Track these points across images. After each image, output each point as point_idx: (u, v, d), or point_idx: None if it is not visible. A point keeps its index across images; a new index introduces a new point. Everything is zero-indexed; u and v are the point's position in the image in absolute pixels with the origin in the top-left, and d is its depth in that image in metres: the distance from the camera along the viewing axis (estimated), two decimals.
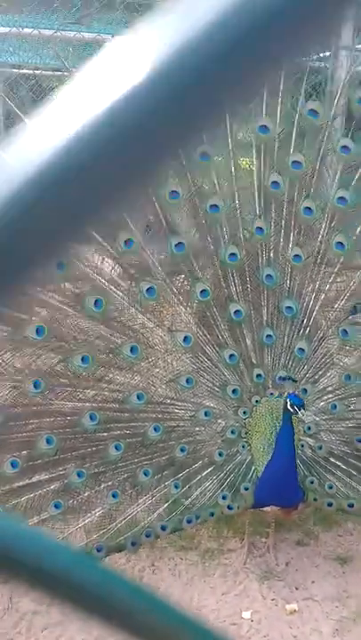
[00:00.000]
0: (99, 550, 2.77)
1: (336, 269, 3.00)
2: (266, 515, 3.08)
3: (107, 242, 2.80)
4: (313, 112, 2.95)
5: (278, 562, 3.11)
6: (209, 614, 2.77)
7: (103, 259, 2.90)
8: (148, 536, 2.84)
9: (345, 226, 2.97)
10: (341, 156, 2.97)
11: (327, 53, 4.37)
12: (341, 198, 2.94)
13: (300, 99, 2.97)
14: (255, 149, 2.95)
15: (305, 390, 3.03)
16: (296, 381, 2.90)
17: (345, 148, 2.95)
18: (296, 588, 2.95)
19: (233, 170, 2.93)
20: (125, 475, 2.86)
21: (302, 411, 2.67)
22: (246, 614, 2.78)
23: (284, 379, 2.91)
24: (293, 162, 2.93)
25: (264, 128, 2.92)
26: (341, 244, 2.94)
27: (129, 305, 2.87)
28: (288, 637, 2.68)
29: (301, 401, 2.70)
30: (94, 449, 2.83)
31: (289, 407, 2.69)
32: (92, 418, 2.78)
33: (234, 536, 3.28)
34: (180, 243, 2.85)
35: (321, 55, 4.58)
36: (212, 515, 2.95)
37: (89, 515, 2.81)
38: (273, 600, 2.88)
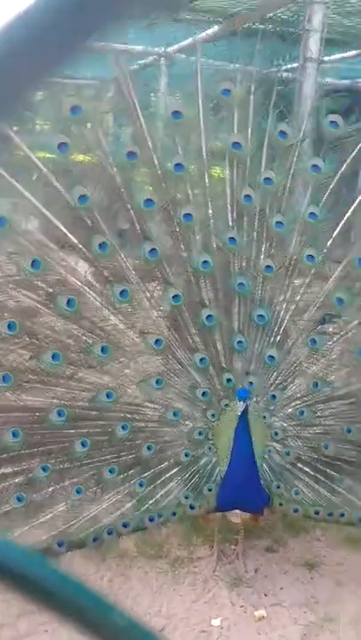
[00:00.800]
0: (60, 545, 2.78)
1: (307, 280, 3.06)
2: (234, 521, 3.10)
3: (82, 244, 2.84)
4: (283, 133, 3.05)
5: (247, 568, 3.13)
6: (178, 622, 2.77)
7: (77, 261, 2.93)
8: (110, 533, 2.86)
9: (315, 239, 3.05)
10: (312, 175, 3.04)
11: (295, 64, 4.44)
12: (312, 214, 3.02)
13: (270, 116, 3.05)
14: (228, 164, 3.02)
15: (274, 396, 3.07)
16: (248, 374, 2.97)
17: (315, 167, 3.04)
18: (265, 595, 2.98)
19: (207, 180, 2.99)
20: (91, 472, 2.89)
21: (240, 403, 2.73)
22: (216, 621, 2.79)
23: (245, 374, 2.98)
24: (265, 178, 3.01)
25: (237, 145, 3.00)
26: (312, 256, 3.02)
27: (102, 306, 2.90)
28: None
29: (246, 394, 2.76)
30: (61, 445, 2.85)
31: (237, 401, 2.76)
32: (59, 414, 2.81)
33: (203, 544, 3.29)
34: (153, 249, 2.90)
35: (289, 66, 4.66)
36: (175, 514, 2.97)
37: (52, 509, 2.81)
38: (242, 607, 2.89)
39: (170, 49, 6.59)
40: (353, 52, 5.80)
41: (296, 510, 3.04)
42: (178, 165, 2.93)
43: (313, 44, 3.91)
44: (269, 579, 3.09)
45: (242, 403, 2.74)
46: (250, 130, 3.02)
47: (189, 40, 5.85)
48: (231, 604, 2.90)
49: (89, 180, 2.84)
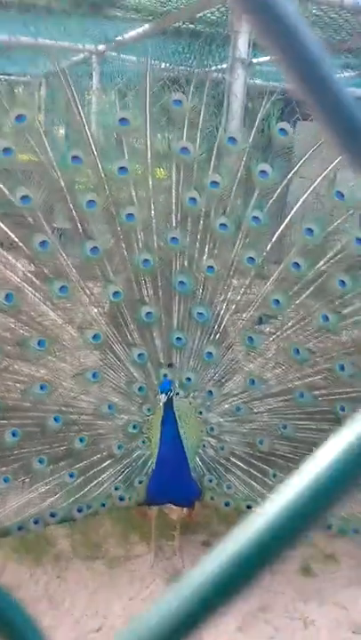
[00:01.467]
0: None
1: (247, 282, 3.12)
2: (171, 516, 3.12)
3: (22, 242, 2.87)
4: (232, 139, 3.11)
5: (185, 563, 3.15)
6: (115, 620, 2.76)
7: (17, 258, 2.93)
8: (36, 522, 2.85)
9: (257, 242, 3.11)
10: (259, 181, 3.09)
11: (225, 65, 4.50)
12: (256, 218, 3.08)
13: (220, 125, 3.17)
14: (175, 167, 3.07)
15: (210, 392, 3.11)
16: (171, 366, 3.03)
17: (263, 172, 3.09)
18: None
19: (150, 182, 3.03)
20: (20, 461, 2.87)
21: (161, 395, 2.73)
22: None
23: (168, 365, 3.03)
24: (212, 182, 3.07)
25: (185, 150, 3.05)
26: (252, 258, 3.08)
27: (40, 302, 2.92)
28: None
29: (168, 386, 2.76)
30: None
31: (160, 392, 2.78)
32: None
33: (140, 541, 3.29)
34: (94, 247, 2.94)
35: (219, 67, 4.72)
36: (104, 505, 2.99)
37: None
38: None
39: (100, 46, 6.54)
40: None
41: (227, 504, 3.08)
42: (122, 169, 2.98)
43: (242, 45, 3.97)
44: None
45: (163, 395, 2.74)
46: (198, 136, 3.08)
47: (119, 38, 5.82)
48: None
49: (32, 181, 2.87)
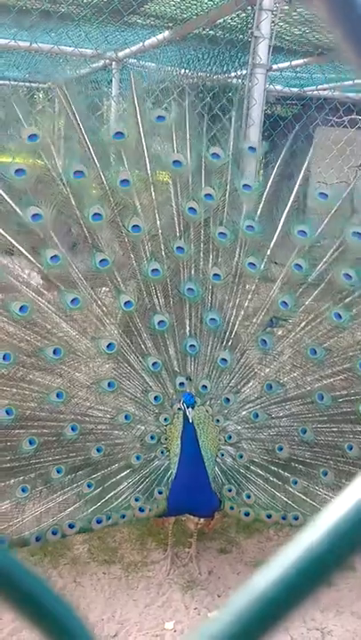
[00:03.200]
0: (1, 542, 2.73)
1: (253, 287, 3.15)
2: (188, 525, 3.11)
3: (33, 257, 2.93)
4: (215, 155, 3.21)
5: (201, 571, 3.14)
6: (132, 627, 2.75)
7: (30, 272, 2.99)
8: (54, 533, 2.82)
9: (256, 248, 3.18)
10: (244, 193, 3.20)
11: (244, 71, 4.50)
12: (250, 227, 3.15)
13: (203, 141, 3.22)
14: (171, 180, 3.15)
15: (227, 400, 3.10)
16: (191, 379, 3.01)
17: (246, 186, 3.21)
18: (218, 596, 2.99)
19: (153, 193, 3.10)
20: (38, 471, 2.86)
21: (190, 410, 2.72)
22: (169, 625, 2.79)
23: (187, 379, 3.02)
24: (206, 194, 3.14)
25: (177, 163, 3.13)
26: (253, 264, 3.13)
27: (53, 314, 2.94)
28: None
29: (192, 400, 2.76)
30: (7, 443, 2.83)
31: (182, 405, 2.77)
32: (8, 412, 2.79)
33: (157, 548, 3.29)
34: (103, 259, 2.98)
35: (238, 73, 4.72)
36: (124, 517, 2.94)
37: None
38: (196, 609, 2.90)
39: (120, 53, 6.57)
40: (300, 61, 5.91)
41: (247, 514, 3.04)
42: (124, 181, 3.04)
43: (262, 51, 3.96)
44: (223, 580, 3.11)
45: (190, 409, 2.73)
46: (188, 148, 3.16)
47: (139, 45, 5.84)
48: (185, 607, 2.91)
49: (42, 198, 2.93)
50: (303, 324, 3.12)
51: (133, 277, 3.07)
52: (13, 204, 2.90)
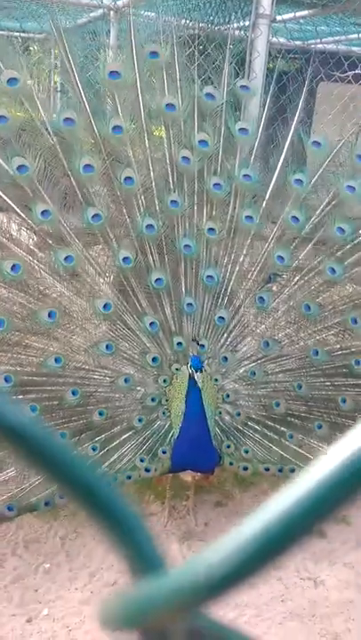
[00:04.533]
0: (10, 509, 2.77)
1: (248, 241, 3.12)
2: (186, 479, 3.17)
3: (23, 212, 2.81)
4: (210, 95, 3.09)
5: (198, 522, 3.22)
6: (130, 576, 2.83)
7: (20, 228, 2.88)
8: (62, 497, 2.85)
9: (252, 200, 3.13)
10: (240, 138, 3.12)
11: (247, 22, 4.37)
12: (246, 175, 3.08)
13: (196, 82, 3.11)
14: (163, 125, 3.04)
15: (225, 358, 3.11)
16: (199, 343, 2.98)
17: (243, 130, 3.12)
18: None
19: (147, 142, 2.99)
20: None
21: (198, 373, 2.75)
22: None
23: (192, 340, 2.99)
24: (200, 141, 3.04)
25: (170, 106, 3.01)
26: (250, 217, 3.08)
27: (47, 273, 2.86)
28: None
29: (199, 364, 2.78)
30: None
31: (189, 369, 2.79)
32: (6, 380, 2.77)
33: (155, 500, 3.36)
34: (96, 214, 2.89)
35: (241, 24, 4.58)
36: (130, 478, 3.00)
37: (1, 474, 2.79)
38: None
39: (119, 2, 6.37)
40: (305, 12, 5.73)
41: (246, 468, 3.13)
42: (116, 128, 2.91)
43: (266, 0, 3.84)
44: (219, 532, 3.18)
45: (199, 374, 2.75)
46: (179, 91, 3.04)
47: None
48: (183, 558, 2.99)
49: (27, 149, 2.79)
50: (297, 278, 3.13)
51: (127, 235, 2.99)
52: None
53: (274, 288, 3.18)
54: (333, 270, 3.07)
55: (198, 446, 2.90)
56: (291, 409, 3.14)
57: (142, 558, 0.36)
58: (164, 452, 2.99)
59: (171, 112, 3.01)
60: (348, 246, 3.08)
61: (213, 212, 3.09)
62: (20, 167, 2.76)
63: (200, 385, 2.79)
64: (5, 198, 2.80)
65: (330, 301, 3.15)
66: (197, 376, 2.76)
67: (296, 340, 3.14)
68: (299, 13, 5.71)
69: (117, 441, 2.98)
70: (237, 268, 3.12)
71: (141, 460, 2.98)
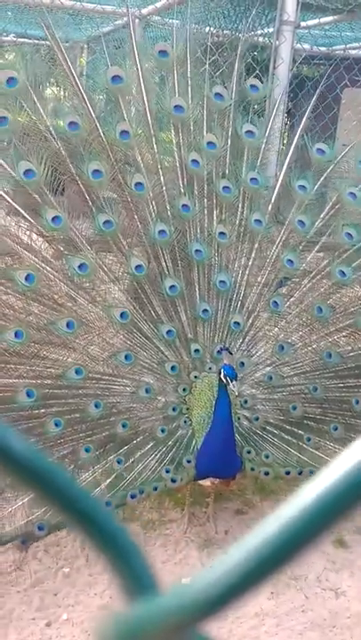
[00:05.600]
0: (40, 529, 2.73)
1: (256, 245, 3.13)
2: (206, 485, 3.16)
3: (34, 219, 2.77)
4: (219, 96, 3.08)
5: (218, 530, 3.20)
6: None
7: (30, 235, 2.83)
8: None
9: (260, 204, 3.15)
10: (246, 141, 3.12)
11: (271, 29, 4.37)
12: (253, 179, 3.10)
13: (205, 82, 3.09)
14: (173, 128, 3.03)
15: (242, 363, 3.11)
16: (232, 353, 2.94)
17: (249, 132, 3.12)
18: None
19: (155, 146, 2.97)
20: (65, 451, 2.84)
21: (234, 382, 2.70)
22: (186, 581, 2.85)
23: (220, 350, 2.97)
24: (208, 142, 3.03)
25: (179, 108, 2.99)
26: (259, 220, 3.10)
27: (61, 282, 2.82)
28: None
29: (234, 373, 2.73)
30: (31, 425, 2.78)
31: (222, 378, 2.74)
32: (29, 395, 2.72)
33: (175, 507, 3.35)
34: (107, 220, 2.86)
35: (265, 31, 4.59)
36: (156, 489, 2.97)
37: (28, 494, 2.74)
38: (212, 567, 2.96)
39: (144, 10, 6.41)
40: (329, 18, 5.71)
41: (267, 473, 3.10)
42: (123, 133, 2.88)
43: (290, 7, 3.85)
44: (239, 540, 3.16)
45: (235, 382, 2.71)
46: (190, 92, 3.02)
47: (164, 1, 5.69)
48: (202, 565, 2.97)
49: (33, 154, 2.74)
50: (306, 281, 3.15)
51: (139, 242, 2.97)
52: (1, 161, 2.70)
53: (284, 291, 3.20)
54: (343, 273, 3.10)
55: (224, 454, 2.88)
56: (307, 412, 3.14)
57: (136, 580, 0.37)
58: (188, 462, 2.97)
59: (179, 114, 3.00)
60: (356, 246, 3.14)
61: (223, 216, 3.09)
62: (26, 172, 2.71)
63: (236, 392, 2.78)
64: (14, 204, 2.76)
65: (340, 303, 3.17)
66: (233, 384, 2.70)
67: (309, 342, 3.15)
68: (323, 19, 5.69)
69: (141, 452, 2.94)
70: (248, 272, 3.14)
71: (167, 471, 2.95)
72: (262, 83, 3.29)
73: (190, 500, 3.26)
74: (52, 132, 2.79)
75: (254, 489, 3.51)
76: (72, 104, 2.89)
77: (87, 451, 2.84)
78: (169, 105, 2.99)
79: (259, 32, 4.75)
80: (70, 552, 2.97)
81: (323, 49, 6.91)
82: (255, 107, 3.21)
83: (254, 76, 3.33)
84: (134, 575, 0.37)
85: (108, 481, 2.88)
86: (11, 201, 2.76)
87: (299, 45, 5.47)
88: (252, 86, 3.22)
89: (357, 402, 3.11)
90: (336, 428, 3.13)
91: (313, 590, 2.86)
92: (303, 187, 3.12)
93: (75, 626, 2.57)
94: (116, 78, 2.90)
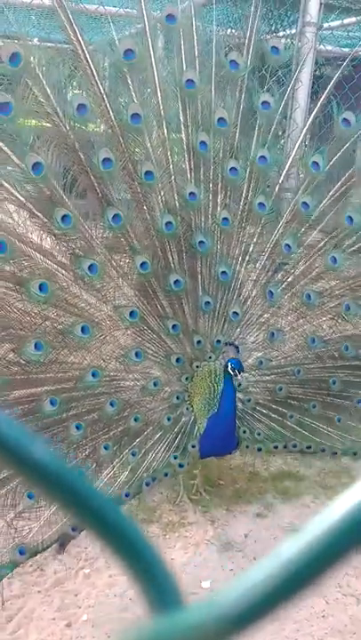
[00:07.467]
0: (74, 530, 2.74)
1: (259, 229, 3.14)
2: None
3: (46, 218, 2.69)
4: (234, 63, 2.99)
5: (238, 533, 3.19)
6: None
7: (42, 236, 2.78)
8: None
9: (266, 186, 3.12)
10: (262, 112, 3.06)
11: (293, 31, 4.35)
12: (262, 157, 3.06)
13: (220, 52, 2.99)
14: (181, 106, 2.93)
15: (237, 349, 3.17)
16: (238, 347, 3.06)
17: (265, 103, 3.04)
18: (254, 558, 3.04)
19: (165, 130, 2.89)
20: (87, 452, 2.87)
21: (242, 374, 2.89)
22: (206, 584, 2.85)
23: (227, 344, 3.09)
24: (219, 119, 2.98)
25: (190, 82, 2.91)
26: (262, 204, 3.09)
27: (72, 282, 2.79)
28: None
29: (242, 366, 2.90)
30: (55, 431, 2.79)
31: (230, 370, 2.88)
32: (52, 403, 2.72)
33: (194, 509, 3.35)
34: (116, 215, 2.81)
35: (288, 32, 4.57)
36: (167, 475, 3.08)
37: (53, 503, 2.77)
38: (232, 570, 2.96)
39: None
40: (353, 19, 5.66)
41: (260, 449, 3.28)
42: (135, 116, 2.78)
43: (312, 8, 3.82)
44: (259, 543, 3.15)
45: (243, 373, 2.92)
46: (197, 63, 2.93)
47: (186, 3, 5.69)
48: (221, 568, 2.97)
49: (41, 144, 2.62)
50: (300, 263, 3.19)
51: (147, 235, 2.92)
52: (9, 152, 2.57)
53: (279, 277, 3.22)
54: (335, 260, 3.15)
55: (226, 437, 3.05)
56: (290, 392, 3.26)
57: (160, 593, 0.36)
58: (193, 447, 3.09)
59: (190, 89, 2.90)
60: (352, 235, 3.16)
61: (227, 200, 3.08)
62: (35, 165, 2.58)
63: (243, 385, 2.93)
64: (25, 202, 2.66)
65: (327, 287, 3.23)
66: (241, 376, 2.90)
67: (296, 326, 3.25)
68: (347, 20, 5.65)
69: (152, 442, 3.03)
70: (247, 258, 3.16)
71: (175, 458, 3.06)
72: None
73: (211, 503, 3.26)
74: (61, 116, 2.62)
75: (275, 493, 3.50)
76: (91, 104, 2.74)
77: (106, 448, 2.89)
78: (181, 79, 2.89)
79: (281, 34, 4.73)
80: (91, 553, 2.98)
81: (346, 50, 6.86)
82: (275, 74, 3.09)
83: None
84: (159, 590, 0.37)
85: (125, 474, 2.92)
86: (20, 197, 2.65)
87: (321, 47, 5.43)
88: (273, 48, 3.07)
89: (334, 382, 3.25)
90: (315, 406, 3.28)
91: (334, 596, 2.83)
92: (316, 164, 3.09)
93: (95, 627, 2.58)
94: (128, 52, 2.76)
